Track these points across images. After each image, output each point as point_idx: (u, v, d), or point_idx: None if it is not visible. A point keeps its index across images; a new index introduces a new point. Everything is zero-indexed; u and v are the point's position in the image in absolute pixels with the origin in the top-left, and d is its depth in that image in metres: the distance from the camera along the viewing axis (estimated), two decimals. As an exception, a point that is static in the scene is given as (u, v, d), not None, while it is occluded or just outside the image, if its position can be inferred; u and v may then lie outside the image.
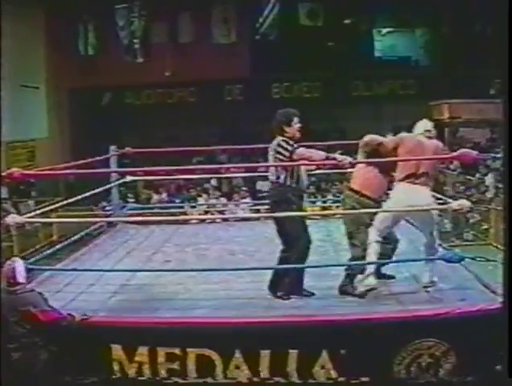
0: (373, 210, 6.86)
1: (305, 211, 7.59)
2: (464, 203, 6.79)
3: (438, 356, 5.96)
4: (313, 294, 6.70)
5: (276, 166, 6.73)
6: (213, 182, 20.30)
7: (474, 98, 23.82)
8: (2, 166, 16.61)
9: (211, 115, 23.71)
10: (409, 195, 6.64)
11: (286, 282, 6.72)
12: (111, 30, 23.46)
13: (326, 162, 6.98)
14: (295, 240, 6.70)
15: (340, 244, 8.92)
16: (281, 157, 6.66)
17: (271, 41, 23.75)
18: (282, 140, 6.68)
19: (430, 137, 6.86)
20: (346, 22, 25.62)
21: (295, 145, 6.66)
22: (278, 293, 6.73)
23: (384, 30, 26.82)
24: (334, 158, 6.67)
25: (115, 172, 10.70)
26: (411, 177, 6.65)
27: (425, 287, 6.80)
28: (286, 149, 6.63)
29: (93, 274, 7.56)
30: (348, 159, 6.73)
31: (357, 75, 25.11)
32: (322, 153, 6.68)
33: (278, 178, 6.72)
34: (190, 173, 13.96)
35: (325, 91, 25.25)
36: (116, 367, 6.07)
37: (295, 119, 6.80)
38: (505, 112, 5.69)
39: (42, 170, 10.88)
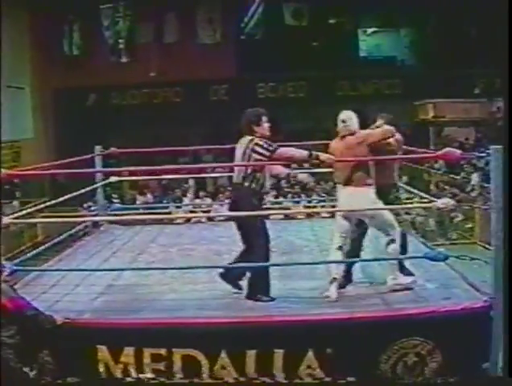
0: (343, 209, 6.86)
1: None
2: (448, 201, 6.82)
3: (423, 355, 5.97)
4: (273, 299, 6.63)
5: (246, 168, 6.65)
6: (191, 182, 20.17)
7: (459, 98, 23.97)
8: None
9: (196, 115, 23.69)
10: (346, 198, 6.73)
11: (250, 283, 6.70)
12: (96, 30, 23.43)
13: (315, 161, 6.88)
14: (254, 241, 6.67)
15: (326, 243, 8.96)
16: (260, 157, 6.59)
17: (256, 41, 23.78)
18: (260, 139, 6.63)
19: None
20: (331, 21, 25.65)
21: (275, 145, 6.63)
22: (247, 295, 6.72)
23: (369, 30, 26.89)
24: (317, 157, 6.62)
25: (100, 172, 10.68)
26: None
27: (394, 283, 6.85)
28: (266, 149, 6.57)
29: (79, 275, 7.54)
30: (331, 158, 6.70)
31: (343, 75, 25.16)
32: (304, 152, 6.63)
33: (243, 179, 6.66)
34: (175, 173, 13.96)
35: (310, 91, 25.28)
36: (102, 368, 6.06)
37: (264, 118, 6.77)
38: (506, 112, 5.74)
39: (26, 170, 10.81)
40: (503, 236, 6.11)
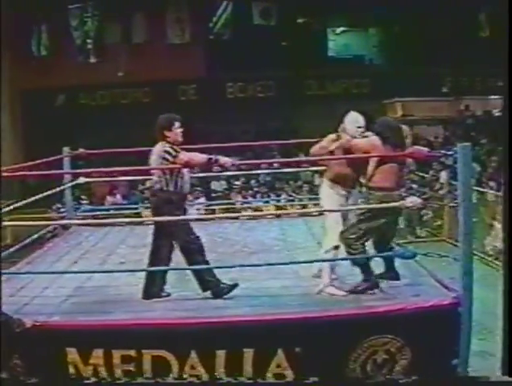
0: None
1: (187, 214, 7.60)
2: (416, 200, 6.86)
3: (393, 352, 6.01)
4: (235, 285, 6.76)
5: (158, 172, 6.81)
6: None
7: (427, 96, 24.15)
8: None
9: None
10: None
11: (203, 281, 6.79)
12: (64, 30, 23.27)
13: (215, 164, 6.91)
14: (183, 243, 6.79)
15: (295, 242, 8.99)
16: (165, 162, 6.72)
17: (225, 41, 23.77)
18: (168, 146, 6.73)
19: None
20: (300, 21, 25.71)
21: (178, 150, 6.70)
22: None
23: (338, 30, 26.97)
24: (217, 160, 6.67)
25: (69, 173, 10.62)
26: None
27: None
28: (170, 154, 6.68)
29: (47, 277, 7.51)
30: (230, 161, 6.80)
31: (311, 75, 25.22)
32: (204, 156, 6.67)
33: (158, 183, 6.79)
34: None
35: (279, 90, 25.31)
36: (72, 370, 6.03)
37: (177, 124, 6.84)
38: (505, 112, 5.77)
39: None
40: (469, 233, 6.19)
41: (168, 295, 6.88)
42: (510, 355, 5.74)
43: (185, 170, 6.88)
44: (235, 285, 6.72)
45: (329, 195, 7.03)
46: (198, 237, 6.85)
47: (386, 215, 6.66)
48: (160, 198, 6.81)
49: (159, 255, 6.92)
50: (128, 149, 13.00)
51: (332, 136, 6.99)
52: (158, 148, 6.78)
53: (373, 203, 6.67)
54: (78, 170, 12.49)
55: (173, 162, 6.68)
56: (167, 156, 6.68)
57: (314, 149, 7.07)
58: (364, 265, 6.67)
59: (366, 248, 6.79)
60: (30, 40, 24.04)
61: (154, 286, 6.84)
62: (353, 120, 7.03)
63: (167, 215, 6.70)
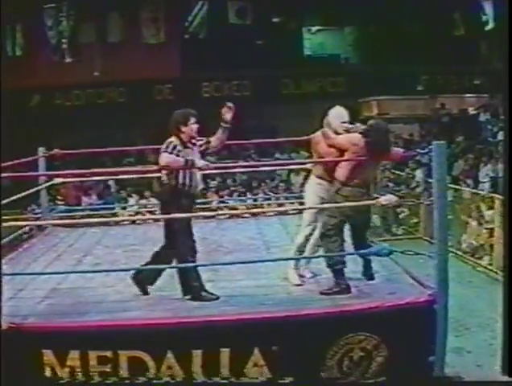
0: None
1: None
2: (391, 198, 6.90)
3: (369, 350, 6.04)
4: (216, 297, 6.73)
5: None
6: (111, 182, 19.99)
7: (402, 95, 24.25)
8: None
9: (141, 115, 23.53)
10: None
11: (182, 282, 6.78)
12: (39, 30, 23.12)
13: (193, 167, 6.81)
14: (178, 241, 6.74)
15: (272, 241, 9.00)
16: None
17: (201, 40, 23.69)
18: (175, 140, 6.73)
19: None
20: (275, 20, 25.71)
21: (164, 150, 6.67)
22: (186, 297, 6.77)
23: (313, 29, 26.97)
24: (192, 163, 6.62)
25: (45, 175, 10.56)
26: None
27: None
28: (167, 148, 6.67)
29: (23, 279, 7.45)
30: (206, 164, 6.85)
31: (287, 74, 25.21)
32: (181, 160, 6.62)
33: (168, 179, 6.76)
34: (120, 174, 13.86)
35: (255, 89, 25.29)
36: (48, 372, 6.01)
37: (192, 119, 6.83)
38: (505, 112, 5.80)
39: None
40: (444, 230, 6.22)
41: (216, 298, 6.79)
42: (510, 355, 5.77)
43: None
44: (216, 298, 6.67)
45: (314, 191, 7.11)
46: (194, 241, 6.87)
47: (354, 209, 6.73)
48: (170, 194, 6.74)
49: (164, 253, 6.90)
50: (103, 150, 12.98)
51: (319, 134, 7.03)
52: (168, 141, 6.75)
53: (338, 196, 6.76)
54: (59, 172, 12.47)
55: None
56: (165, 148, 6.65)
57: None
58: (338, 269, 6.71)
59: (344, 247, 6.84)
60: (5, 40, 23.86)
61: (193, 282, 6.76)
62: (338, 114, 7.09)
63: (177, 211, 6.64)
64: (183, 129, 6.77)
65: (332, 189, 6.91)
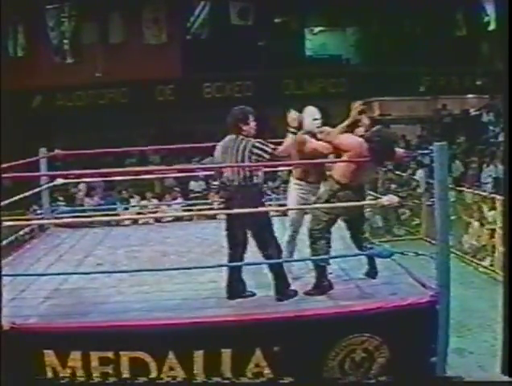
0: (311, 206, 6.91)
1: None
2: (393, 198, 6.88)
3: (371, 351, 6.04)
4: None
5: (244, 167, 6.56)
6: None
7: (404, 95, 24.24)
8: None
9: (143, 115, 23.53)
10: None
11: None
12: (41, 30, 23.13)
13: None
14: (268, 237, 6.66)
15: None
16: (260, 159, 6.53)
17: (202, 41, 23.69)
18: (256, 141, 6.58)
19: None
20: (277, 21, 25.71)
21: (269, 145, 6.59)
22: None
23: (315, 29, 26.96)
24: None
25: (46, 175, 10.56)
26: None
27: None
28: (264, 151, 6.54)
29: (25, 280, 7.44)
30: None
31: (289, 74, 25.20)
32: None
33: (250, 178, 6.57)
34: (123, 175, 13.84)
35: (257, 90, 25.27)
36: (49, 372, 6.00)
37: (251, 117, 6.73)
38: (505, 113, 5.79)
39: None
40: (446, 231, 6.22)
41: (253, 295, 6.77)
42: (510, 355, 5.76)
43: None
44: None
45: (295, 193, 7.31)
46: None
47: (345, 208, 6.76)
48: (254, 192, 6.63)
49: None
50: (105, 150, 12.97)
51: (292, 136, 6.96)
52: (250, 144, 6.59)
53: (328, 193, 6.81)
54: (60, 172, 12.45)
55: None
56: (260, 152, 6.52)
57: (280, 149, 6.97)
58: (322, 267, 6.72)
59: (331, 246, 6.85)
60: (7, 41, 23.88)
61: (237, 283, 6.73)
62: (310, 113, 7.37)
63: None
64: (244, 127, 6.63)
65: (324, 188, 7.00)
